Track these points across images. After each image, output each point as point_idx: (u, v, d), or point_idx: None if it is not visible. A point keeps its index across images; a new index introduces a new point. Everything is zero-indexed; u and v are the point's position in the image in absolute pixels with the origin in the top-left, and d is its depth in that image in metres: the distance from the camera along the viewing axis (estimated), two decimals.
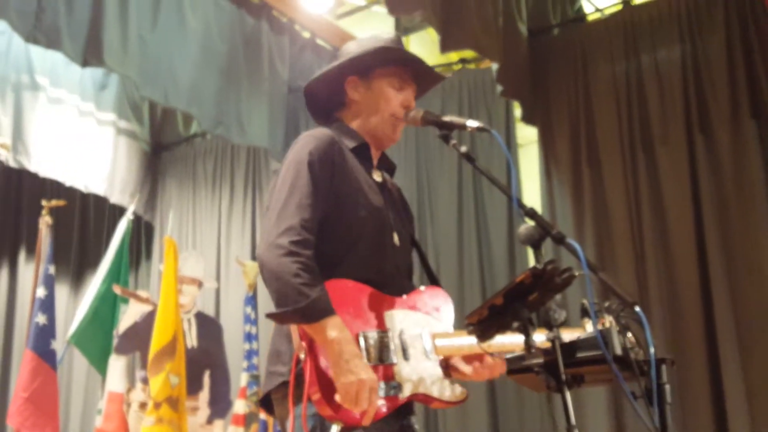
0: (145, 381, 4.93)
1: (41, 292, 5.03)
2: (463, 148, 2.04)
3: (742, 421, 4.19)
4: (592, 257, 1.76)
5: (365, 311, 1.99)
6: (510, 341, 2.01)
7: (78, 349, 5.49)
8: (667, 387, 1.74)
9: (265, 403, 2.07)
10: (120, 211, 6.62)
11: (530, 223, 1.85)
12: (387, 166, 2.34)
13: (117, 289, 5.35)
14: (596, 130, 5.10)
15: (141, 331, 5.05)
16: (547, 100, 5.34)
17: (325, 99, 2.29)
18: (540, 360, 1.74)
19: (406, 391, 1.95)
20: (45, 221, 5.23)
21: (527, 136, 6.07)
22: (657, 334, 1.66)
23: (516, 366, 1.85)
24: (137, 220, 6.75)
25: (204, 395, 5.23)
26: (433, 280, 2.28)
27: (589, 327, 1.74)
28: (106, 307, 5.47)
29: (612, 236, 4.90)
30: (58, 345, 5.13)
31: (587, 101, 5.18)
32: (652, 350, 1.71)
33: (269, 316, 1.91)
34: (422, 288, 2.17)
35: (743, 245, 4.48)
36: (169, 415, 4.48)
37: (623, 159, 4.94)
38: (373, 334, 1.96)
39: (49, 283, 5.10)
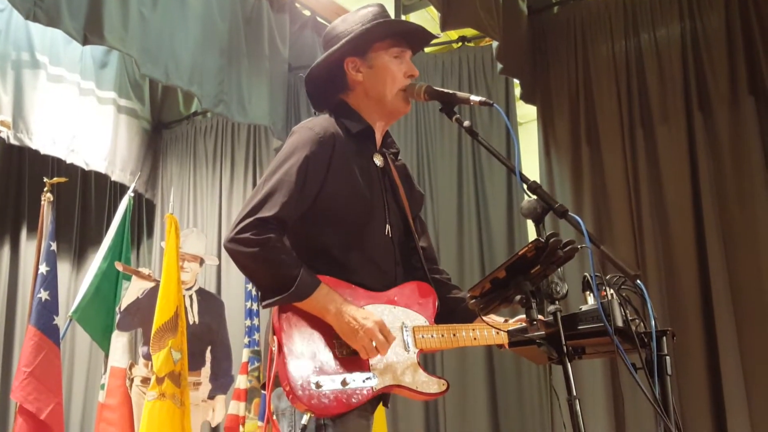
0: (147, 357, 4.96)
1: (43, 268, 5.02)
2: (466, 123, 2.03)
3: (738, 391, 4.24)
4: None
5: None
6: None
7: (80, 325, 5.47)
8: (668, 359, 1.74)
9: None
10: (121, 188, 6.63)
11: (532, 197, 1.85)
12: (391, 148, 2.33)
13: (119, 266, 5.33)
14: (595, 108, 5.10)
15: (143, 308, 5.08)
16: (546, 79, 5.33)
17: (327, 85, 2.27)
18: (542, 332, 1.75)
19: (382, 383, 1.98)
20: (47, 198, 5.22)
21: (527, 114, 6.07)
22: (655, 308, 1.67)
23: (518, 338, 1.86)
24: (138, 197, 6.76)
25: (206, 371, 5.27)
26: (422, 273, 2.26)
27: (591, 300, 1.76)
28: (108, 283, 5.47)
29: (611, 214, 4.92)
30: (61, 321, 5.14)
31: (587, 79, 5.17)
32: (653, 322, 1.73)
33: (266, 305, 1.95)
34: (408, 282, 2.19)
35: (740, 221, 4.51)
36: (172, 390, 4.51)
37: (622, 137, 4.94)
38: None
39: (51, 260, 5.09)
